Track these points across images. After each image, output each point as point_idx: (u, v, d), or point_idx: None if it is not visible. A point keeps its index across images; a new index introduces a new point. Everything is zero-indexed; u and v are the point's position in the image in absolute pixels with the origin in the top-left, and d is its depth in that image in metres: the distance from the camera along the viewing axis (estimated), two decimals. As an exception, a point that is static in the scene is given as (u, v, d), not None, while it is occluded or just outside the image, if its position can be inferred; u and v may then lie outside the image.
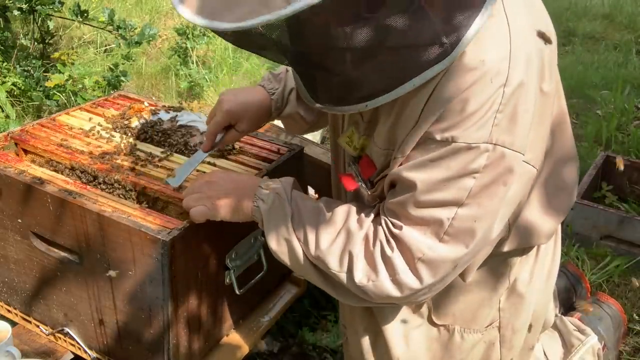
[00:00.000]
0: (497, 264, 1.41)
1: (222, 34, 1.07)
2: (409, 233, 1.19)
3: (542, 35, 1.20)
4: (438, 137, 1.13)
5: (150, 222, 1.48)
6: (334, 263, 1.26)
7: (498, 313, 1.45)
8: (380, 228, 1.23)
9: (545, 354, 1.75)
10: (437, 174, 1.14)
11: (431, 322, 1.45)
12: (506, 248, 1.37)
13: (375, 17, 1.04)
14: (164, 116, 1.91)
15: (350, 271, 1.24)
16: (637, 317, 2.24)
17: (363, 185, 1.36)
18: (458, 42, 1.09)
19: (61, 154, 1.73)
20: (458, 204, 1.15)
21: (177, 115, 1.93)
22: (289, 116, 1.64)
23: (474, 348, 1.46)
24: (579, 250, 2.51)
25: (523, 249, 1.42)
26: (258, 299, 1.88)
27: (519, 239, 1.37)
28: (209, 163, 1.74)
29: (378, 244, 1.22)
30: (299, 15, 0.93)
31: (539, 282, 1.48)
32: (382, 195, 1.32)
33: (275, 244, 1.33)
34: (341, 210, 1.30)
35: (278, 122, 2.87)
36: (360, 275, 1.23)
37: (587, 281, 2.17)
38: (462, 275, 1.35)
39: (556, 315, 1.93)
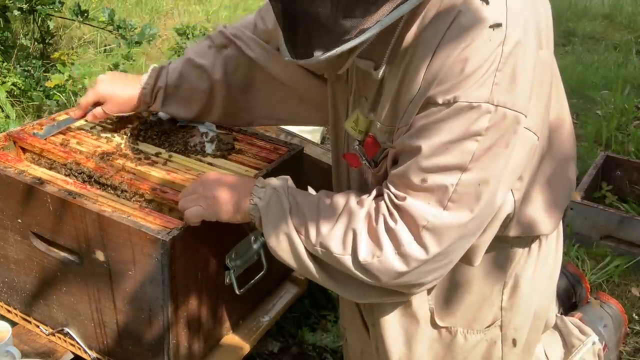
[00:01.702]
0: (498, 259, 1.40)
1: None
2: (413, 202, 1.17)
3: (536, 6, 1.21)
4: (440, 100, 1.13)
5: (150, 222, 1.48)
6: (337, 246, 1.24)
7: (500, 312, 1.44)
8: (382, 203, 1.22)
9: (545, 354, 1.75)
10: (441, 137, 1.14)
11: (434, 324, 1.44)
12: (512, 233, 1.35)
13: None
14: (164, 116, 1.91)
15: (354, 251, 1.22)
16: (637, 317, 2.24)
17: (367, 163, 1.35)
18: None
19: (58, 153, 1.73)
20: (462, 168, 1.14)
21: (177, 115, 1.93)
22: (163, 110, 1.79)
23: (475, 347, 1.45)
24: (579, 250, 2.51)
25: (527, 240, 1.41)
26: (258, 299, 1.88)
27: (522, 227, 1.36)
28: (208, 164, 1.74)
29: (381, 218, 1.21)
30: None
31: (540, 281, 1.48)
32: (385, 176, 1.30)
33: (274, 241, 1.32)
34: (340, 196, 1.29)
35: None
36: (365, 252, 1.21)
37: (587, 282, 2.17)
38: (470, 259, 1.33)
39: (557, 315, 1.93)
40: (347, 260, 1.24)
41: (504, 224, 1.33)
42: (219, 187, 1.39)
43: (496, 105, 1.11)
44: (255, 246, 1.72)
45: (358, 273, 1.24)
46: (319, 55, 1.15)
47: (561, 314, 1.98)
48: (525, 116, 1.16)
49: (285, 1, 1.14)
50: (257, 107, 1.76)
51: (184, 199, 1.43)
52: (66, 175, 1.67)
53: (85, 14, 3.40)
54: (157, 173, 1.67)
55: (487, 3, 1.12)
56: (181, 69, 1.72)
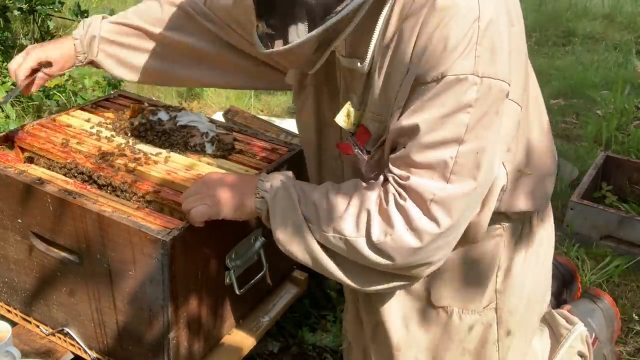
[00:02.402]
0: (491, 241, 1.44)
1: None
2: (417, 180, 1.21)
3: None
4: (428, 78, 1.19)
5: (150, 222, 1.48)
6: (350, 228, 1.26)
7: (495, 294, 1.47)
8: (389, 186, 1.25)
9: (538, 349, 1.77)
10: (435, 112, 1.19)
11: (430, 304, 1.47)
12: (503, 208, 1.40)
13: None
14: (164, 116, 1.91)
15: (368, 233, 1.24)
16: (636, 317, 2.24)
17: (359, 152, 1.38)
18: None
19: (57, 153, 1.73)
20: (458, 141, 1.19)
21: (177, 115, 1.93)
22: (95, 64, 1.81)
23: (472, 330, 1.48)
24: (579, 250, 2.51)
25: (517, 222, 1.46)
26: (258, 299, 1.88)
27: (514, 201, 1.41)
28: (208, 164, 1.74)
29: (391, 197, 1.24)
30: None
31: (533, 266, 1.52)
32: (379, 163, 1.34)
33: (282, 232, 1.33)
34: (349, 183, 1.32)
35: (279, 122, 2.88)
36: (377, 232, 1.24)
37: (579, 279, 2.18)
38: (474, 236, 1.36)
39: (558, 305, 1.95)
40: (361, 242, 1.26)
41: (499, 199, 1.37)
42: (222, 185, 1.39)
43: (481, 77, 1.17)
44: (255, 246, 1.73)
45: (372, 255, 1.26)
46: (302, 37, 1.18)
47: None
48: (509, 84, 1.22)
49: None
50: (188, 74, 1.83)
51: (187, 200, 1.43)
52: (64, 175, 1.67)
53: (85, 14, 3.40)
54: (157, 173, 1.67)
55: None
56: (118, 27, 1.77)
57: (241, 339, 1.78)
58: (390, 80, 1.26)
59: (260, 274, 1.76)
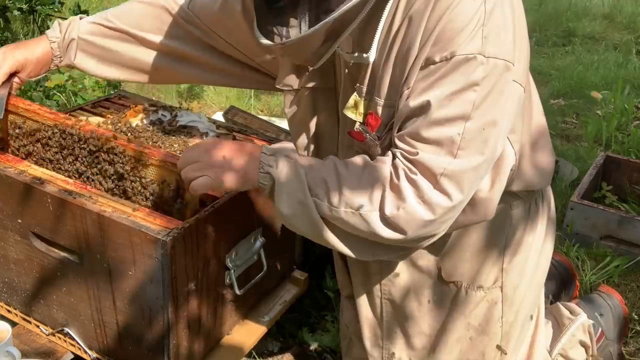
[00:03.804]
0: (499, 219, 1.47)
1: None
2: (426, 155, 1.24)
3: None
4: (437, 58, 1.23)
5: (150, 222, 1.48)
6: (364, 202, 1.26)
7: (501, 273, 1.52)
8: (398, 161, 1.27)
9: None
10: (445, 90, 1.22)
11: (441, 279, 1.51)
12: (514, 187, 1.46)
13: None
14: (164, 116, 1.91)
15: (381, 207, 1.26)
16: (637, 317, 2.24)
17: (371, 137, 1.39)
18: None
19: (44, 114, 1.70)
20: (465, 117, 1.22)
21: (177, 115, 1.93)
22: (72, 66, 1.76)
23: (477, 306, 1.52)
24: (579, 250, 2.51)
25: (524, 201, 1.51)
26: (258, 299, 1.88)
27: (521, 181, 1.47)
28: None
29: (401, 172, 1.25)
30: None
31: (537, 246, 1.57)
32: (389, 147, 1.34)
33: (288, 208, 1.30)
34: (357, 158, 1.32)
35: (279, 122, 2.88)
36: (390, 206, 1.25)
37: (577, 281, 2.18)
38: (486, 213, 1.39)
39: (551, 303, 1.98)
40: (374, 216, 1.26)
41: (509, 178, 1.41)
42: (224, 154, 1.34)
43: (487, 57, 1.22)
44: (255, 246, 1.73)
45: (384, 229, 1.26)
46: (313, 28, 1.19)
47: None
48: (513, 64, 1.26)
49: None
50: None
51: (187, 168, 1.36)
52: (55, 136, 1.65)
53: (85, 14, 3.40)
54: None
55: None
56: (97, 28, 1.73)
57: (241, 339, 1.78)
58: (399, 65, 1.30)
59: (260, 274, 1.76)
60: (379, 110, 1.36)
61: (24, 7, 3.34)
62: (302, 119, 1.57)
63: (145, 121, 1.89)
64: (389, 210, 1.25)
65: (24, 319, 1.79)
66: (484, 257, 1.50)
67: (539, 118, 1.51)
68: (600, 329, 1.94)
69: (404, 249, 1.37)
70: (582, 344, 1.85)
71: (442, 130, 1.23)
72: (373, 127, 1.38)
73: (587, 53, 4.78)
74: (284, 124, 2.87)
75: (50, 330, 1.74)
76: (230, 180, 1.33)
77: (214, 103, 3.76)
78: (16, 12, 3.39)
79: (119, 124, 1.89)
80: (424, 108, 1.24)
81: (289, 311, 1.99)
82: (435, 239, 1.32)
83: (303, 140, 1.60)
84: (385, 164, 1.28)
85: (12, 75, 1.68)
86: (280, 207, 1.30)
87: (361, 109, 1.40)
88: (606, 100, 3.80)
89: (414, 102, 1.25)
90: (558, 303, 1.93)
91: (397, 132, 1.29)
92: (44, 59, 1.72)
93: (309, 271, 2.03)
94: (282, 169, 1.30)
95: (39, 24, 3.60)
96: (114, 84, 3.28)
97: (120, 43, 1.73)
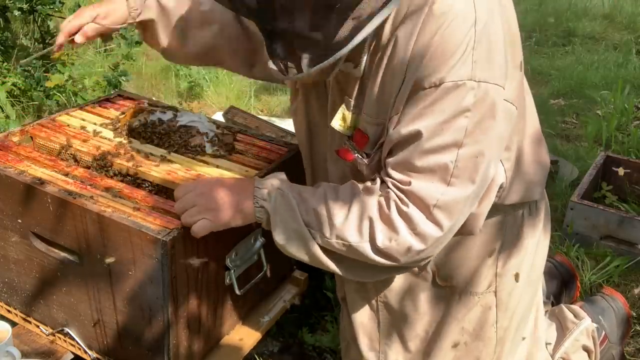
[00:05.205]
0: (493, 227, 1.48)
1: None
2: (419, 185, 1.24)
3: None
4: (426, 84, 1.21)
5: (150, 222, 1.48)
6: (354, 235, 1.29)
7: (495, 278, 1.52)
8: (389, 191, 1.27)
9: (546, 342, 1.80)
10: (436, 118, 1.21)
11: (435, 284, 1.52)
12: (507, 201, 1.45)
13: None
14: (164, 116, 1.91)
15: (372, 238, 1.28)
16: (637, 317, 2.24)
17: (359, 155, 1.40)
18: None
19: (44, 162, 1.69)
20: (457, 145, 1.22)
21: (177, 115, 1.93)
22: (147, 25, 1.71)
23: (471, 311, 1.53)
24: (579, 250, 2.51)
25: (517, 209, 1.50)
26: (258, 299, 1.88)
27: (515, 193, 1.46)
28: (208, 164, 1.74)
29: (392, 204, 1.26)
30: None
31: (530, 250, 1.56)
32: (378, 165, 1.36)
33: (284, 239, 1.35)
34: (346, 187, 1.34)
35: (279, 122, 2.88)
36: (382, 238, 1.27)
37: (578, 281, 2.18)
38: (472, 229, 1.40)
39: (552, 304, 1.98)
40: (365, 247, 1.29)
41: (499, 193, 1.41)
42: (218, 195, 1.40)
43: (478, 82, 1.20)
44: (255, 246, 1.72)
45: (377, 258, 1.29)
46: (314, 67, 1.19)
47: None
48: (504, 88, 1.24)
49: (270, 21, 1.16)
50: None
51: (185, 214, 1.42)
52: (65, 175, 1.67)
53: (85, 14, 3.39)
54: (157, 173, 1.67)
55: None
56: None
57: (241, 339, 1.78)
58: (387, 85, 1.28)
59: (260, 274, 1.76)
60: (367, 127, 1.36)
61: (24, 7, 3.33)
62: (300, 118, 1.60)
63: (145, 121, 1.89)
64: (380, 241, 1.27)
65: (24, 319, 1.79)
66: (478, 262, 1.50)
67: (533, 124, 1.49)
68: (603, 332, 1.93)
69: (401, 269, 1.39)
70: (585, 349, 1.84)
71: (436, 158, 1.22)
72: (360, 144, 1.39)
73: (587, 53, 4.77)
74: (284, 124, 2.88)
75: (50, 330, 1.74)
76: (227, 220, 1.40)
77: (214, 103, 3.76)
78: (16, 12, 3.39)
79: (119, 124, 1.89)
80: (415, 137, 1.23)
81: (289, 311, 1.99)
82: (431, 258, 1.35)
83: (300, 137, 1.63)
84: (373, 194, 1.29)
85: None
86: (277, 237, 1.36)
87: (349, 122, 1.41)
88: (606, 100, 3.80)
89: (405, 130, 1.24)
90: (562, 305, 1.92)
91: (388, 158, 1.29)
92: (120, 10, 1.66)
93: (308, 271, 2.03)
94: (275, 202, 1.35)
95: (39, 24, 3.59)
96: (114, 84, 3.28)
97: (191, 13, 1.68)
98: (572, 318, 1.87)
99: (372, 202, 1.28)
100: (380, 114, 1.32)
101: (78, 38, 1.65)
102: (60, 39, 1.65)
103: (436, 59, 1.19)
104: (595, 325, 1.87)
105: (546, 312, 1.90)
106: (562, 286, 2.15)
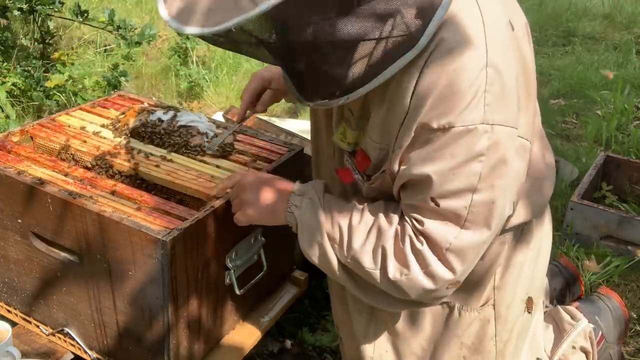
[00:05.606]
0: (493, 245, 1.45)
1: (212, 38, 1.11)
2: (432, 226, 1.23)
3: (509, 24, 1.25)
4: (434, 125, 1.16)
5: (150, 222, 1.48)
6: (368, 261, 1.30)
7: (493, 292, 1.50)
8: (407, 224, 1.27)
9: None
10: (446, 164, 1.17)
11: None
12: (507, 226, 1.42)
13: (339, 14, 1.07)
14: (164, 116, 1.91)
15: (384, 268, 1.28)
16: (637, 317, 2.24)
17: (359, 178, 1.41)
18: (424, 30, 1.12)
19: (45, 162, 1.69)
20: (471, 190, 1.19)
21: (176, 115, 1.93)
22: None
23: (470, 326, 1.51)
24: (579, 251, 2.51)
25: (516, 227, 1.48)
26: (258, 299, 1.88)
27: (516, 217, 1.44)
28: (208, 164, 1.74)
29: (407, 239, 1.25)
30: (269, 15, 0.98)
31: (529, 263, 1.55)
32: (380, 189, 1.36)
33: (308, 247, 1.38)
34: (371, 210, 1.33)
35: (279, 122, 2.88)
36: (393, 270, 1.26)
37: (582, 282, 2.18)
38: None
39: (554, 306, 1.97)
40: (377, 274, 1.30)
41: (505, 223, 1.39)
42: (258, 192, 1.45)
43: (492, 125, 1.15)
44: (255, 246, 1.72)
45: (387, 286, 1.30)
46: (342, 98, 1.20)
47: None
48: (517, 129, 1.22)
49: (292, 55, 1.17)
50: None
51: (236, 200, 1.48)
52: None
53: (85, 14, 3.39)
54: (157, 173, 1.67)
55: (465, 25, 1.15)
56: None
57: (241, 339, 1.78)
58: (389, 113, 1.25)
59: (260, 274, 1.76)
60: (369, 150, 1.35)
61: (24, 7, 3.33)
62: (311, 121, 1.63)
63: (144, 121, 1.89)
64: (391, 274, 1.27)
65: (24, 319, 1.79)
66: (476, 277, 1.47)
67: (539, 148, 1.46)
68: (600, 332, 1.93)
69: (416, 304, 1.39)
70: (583, 350, 1.83)
71: (449, 203, 1.20)
72: (361, 165, 1.39)
73: (587, 53, 4.77)
74: (284, 124, 2.87)
75: (50, 330, 1.74)
76: (262, 218, 1.46)
77: (214, 103, 3.76)
78: (16, 12, 3.38)
79: (119, 124, 1.89)
80: (425, 181, 1.20)
81: (289, 311, 1.99)
82: (442, 299, 1.35)
83: (313, 145, 1.67)
84: (392, 224, 1.28)
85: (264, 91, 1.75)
86: (302, 243, 1.39)
87: (350, 138, 1.41)
88: (606, 100, 3.80)
89: (415, 171, 1.21)
90: (558, 307, 1.92)
91: (402, 192, 1.29)
92: None
93: (309, 271, 2.03)
94: (305, 211, 1.38)
95: (39, 24, 3.59)
96: (114, 84, 3.28)
97: None
98: (568, 319, 1.86)
99: (390, 233, 1.27)
100: (383, 140, 1.30)
101: (258, 107, 1.77)
102: (245, 106, 1.76)
103: (445, 100, 1.14)
104: (592, 325, 1.87)
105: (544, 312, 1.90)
106: (566, 288, 2.14)
